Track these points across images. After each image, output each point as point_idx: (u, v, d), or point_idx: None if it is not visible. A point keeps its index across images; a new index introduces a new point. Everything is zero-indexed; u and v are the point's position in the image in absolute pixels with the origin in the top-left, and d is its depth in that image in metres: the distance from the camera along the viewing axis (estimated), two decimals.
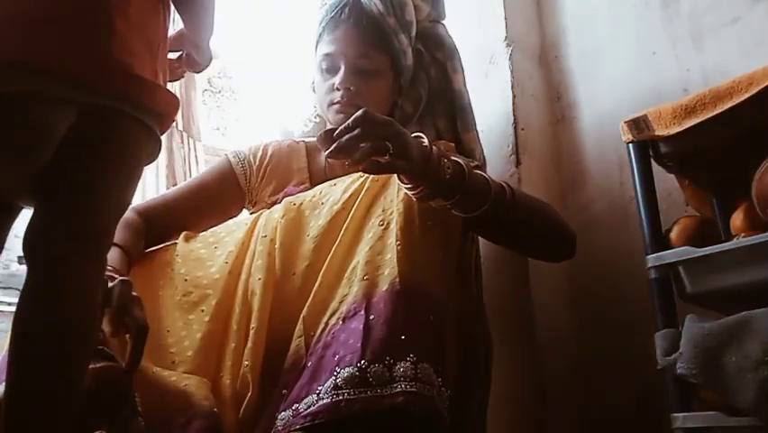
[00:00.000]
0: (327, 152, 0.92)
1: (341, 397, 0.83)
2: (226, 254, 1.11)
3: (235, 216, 1.35)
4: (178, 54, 1.11)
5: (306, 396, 0.87)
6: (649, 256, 0.98)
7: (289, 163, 1.34)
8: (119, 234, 1.04)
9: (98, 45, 0.85)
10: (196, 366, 0.99)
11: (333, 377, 0.85)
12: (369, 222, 1.02)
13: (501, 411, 1.24)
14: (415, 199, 0.99)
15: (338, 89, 1.24)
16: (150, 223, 1.24)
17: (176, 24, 1.09)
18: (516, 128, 1.44)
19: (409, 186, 0.98)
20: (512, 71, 1.49)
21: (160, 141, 0.95)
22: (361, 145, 0.91)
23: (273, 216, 1.11)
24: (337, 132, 0.92)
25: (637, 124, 1.02)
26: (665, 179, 1.17)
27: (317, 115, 1.72)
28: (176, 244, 1.16)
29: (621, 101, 1.40)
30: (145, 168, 0.96)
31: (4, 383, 0.79)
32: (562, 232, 1.18)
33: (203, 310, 1.04)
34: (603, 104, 1.45)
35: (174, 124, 2.65)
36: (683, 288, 0.96)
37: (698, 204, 1.16)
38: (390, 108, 1.31)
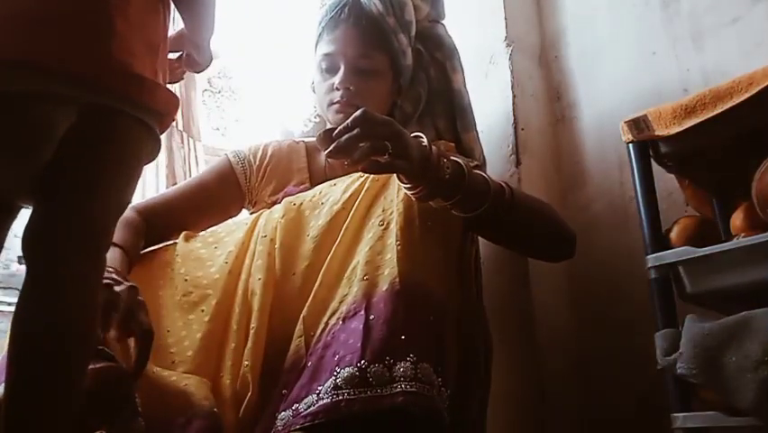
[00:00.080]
0: (327, 151, 0.92)
1: (341, 397, 0.83)
2: (226, 254, 1.11)
3: (235, 216, 1.35)
4: (177, 54, 1.11)
5: (306, 396, 0.87)
6: (649, 256, 0.98)
7: (289, 163, 1.34)
8: (119, 234, 1.04)
9: (98, 45, 0.85)
10: (196, 366, 0.99)
11: (333, 377, 0.85)
12: (369, 222, 1.02)
13: (501, 411, 1.24)
14: (414, 199, 0.99)
15: (338, 89, 1.24)
16: (150, 222, 1.24)
17: (176, 24, 1.09)
18: (516, 128, 1.44)
19: (409, 186, 0.98)
20: (512, 71, 1.49)
21: (160, 140, 0.95)
22: (361, 145, 0.91)
23: (273, 216, 1.11)
24: (336, 131, 0.92)
25: (637, 124, 1.02)
26: (665, 179, 1.17)
27: (317, 115, 1.72)
28: (176, 243, 1.16)
29: (621, 101, 1.40)
30: (145, 167, 0.96)
31: (3, 383, 0.78)
32: (562, 232, 1.18)
33: (203, 310, 1.04)
34: (603, 104, 1.45)
35: (174, 123, 2.65)
36: (683, 288, 0.96)
37: (698, 204, 1.16)
38: (390, 108, 1.31)
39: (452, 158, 1.03)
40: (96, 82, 0.84)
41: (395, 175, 0.99)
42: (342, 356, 0.87)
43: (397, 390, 0.83)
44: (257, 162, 1.34)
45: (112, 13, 0.86)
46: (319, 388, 0.86)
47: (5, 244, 0.92)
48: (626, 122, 1.04)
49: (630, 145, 1.04)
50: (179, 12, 1.01)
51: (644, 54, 1.40)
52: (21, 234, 0.82)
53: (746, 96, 0.93)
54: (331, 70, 1.27)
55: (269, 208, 1.17)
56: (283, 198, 1.18)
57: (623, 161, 1.26)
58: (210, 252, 1.13)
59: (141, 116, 0.89)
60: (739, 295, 0.92)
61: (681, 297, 0.98)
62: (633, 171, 1.04)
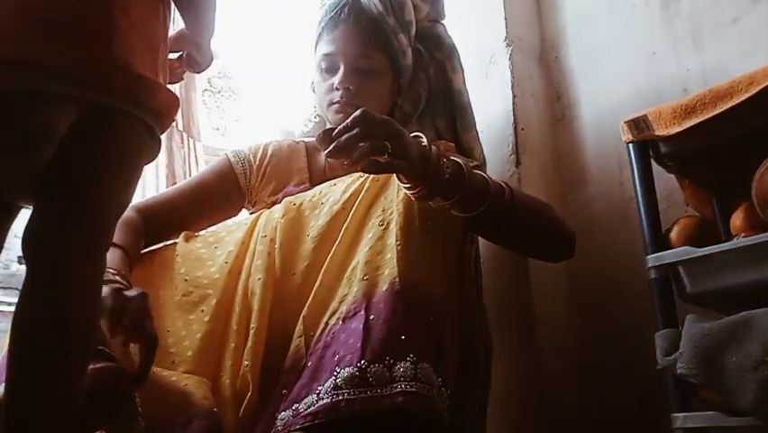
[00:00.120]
0: (326, 151, 0.92)
1: (341, 397, 0.83)
2: (226, 254, 1.11)
3: (235, 216, 1.35)
4: (178, 54, 1.11)
5: (306, 396, 0.87)
6: (649, 256, 0.98)
7: (289, 163, 1.34)
8: (119, 234, 1.04)
9: (99, 44, 0.85)
10: (196, 366, 0.99)
11: (333, 377, 0.85)
12: (369, 222, 1.02)
13: (501, 411, 1.24)
14: (414, 199, 0.99)
15: (337, 89, 1.24)
16: (150, 221, 1.23)
17: (176, 24, 1.09)
18: (516, 128, 1.44)
19: (408, 185, 0.98)
20: (512, 71, 1.49)
21: (160, 140, 0.95)
22: (360, 145, 0.91)
23: (273, 216, 1.11)
24: (336, 131, 0.92)
25: (637, 124, 1.02)
26: (665, 179, 1.17)
27: (317, 115, 1.72)
28: (176, 243, 1.16)
29: (621, 101, 1.40)
30: (145, 167, 0.96)
31: (4, 383, 0.78)
32: (562, 232, 1.18)
33: (203, 310, 1.04)
34: (603, 104, 1.45)
35: (174, 124, 2.65)
36: (683, 288, 0.96)
37: (698, 204, 1.16)
38: (390, 108, 1.31)
39: (451, 158, 1.03)
40: (97, 82, 0.84)
41: (395, 175, 0.99)
42: (343, 356, 0.87)
43: (397, 390, 0.83)
44: (257, 162, 1.34)
45: (113, 12, 0.86)
46: (319, 388, 0.86)
47: (5, 244, 0.92)
48: (626, 122, 1.03)
49: (630, 145, 1.04)
50: (180, 12, 1.01)
51: (644, 54, 1.40)
52: (20, 234, 0.82)
53: (746, 96, 0.93)
54: (331, 70, 1.27)
55: (269, 208, 1.17)
56: (283, 197, 1.18)
57: (623, 160, 1.26)
58: (210, 251, 1.13)
59: (142, 116, 0.89)
60: (739, 295, 0.92)
61: (681, 297, 0.98)
62: (633, 171, 1.04)
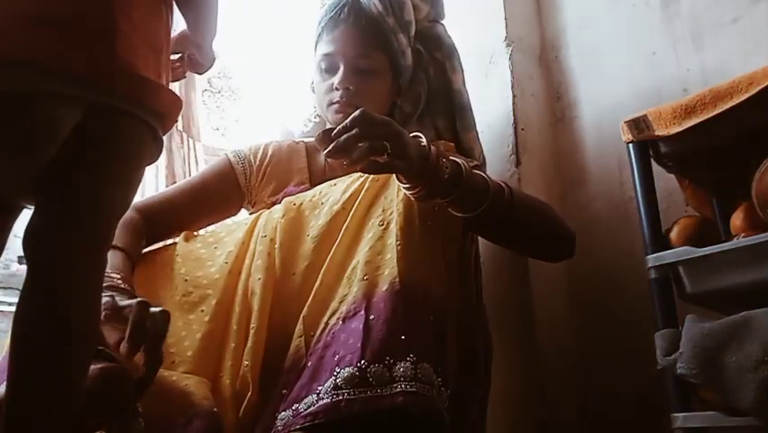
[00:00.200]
0: (326, 151, 0.92)
1: (341, 397, 0.83)
2: (226, 254, 1.11)
3: (234, 216, 1.35)
4: (178, 55, 1.11)
5: (306, 396, 0.87)
6: (649, 256, 0.98)
7: (289, 163, 1.34)
8: (119, 235, 1.04)
9: (101, 45, 0.85)
10: (196, 366, 0.99)
11: (333, 377, 0.85)
12: (369, 222, 1.02)
13: (501, 411, 1.24)
14: (414, 199, 0.99)
15: (337, 89, 1.24)
16: (150, 221, 1.23)
17: (177, 25, 1.08)
18: (516, 128, 1.44)
19: (408, 185, 0.98)
20: (512, 71, 1.49)
21: (162, 141, 0.95)
22: (360, 145, 0.91)
23: (273, 216, 1.11)
24: (335, 131, 0.92)
25: (637, 124, 1.02)
26: (665, 179, 1.17)
27: (317, 115, 1.72)
28: (175, 243, 1.16)
29: (621, 101, 1.41)
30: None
31: (4, 383, 0.79)
32: (562, 231, 1.18)
33: (203, 310, 1.04)
34: (603, 104, 1.45)
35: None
36: (683, 288, 0.96)
37: (698, 204, 1.16)
38: (389, 108, 1.31)
39: (451, 158, 1.03)
40: (97, 82, 0.84)
41: (394, 175, 0.99)
42: (343, 356, 0.87)
43: (397, 390, 0.83)
44: (257, 162, 1.34)
45: (115, 13, 0.86)
46: (319, 388, 0.86)
47: (6, 244, 0.92)
48: (626, 122, 1.04)
49: (630, 145, 1.04)
50: (182, 13, 1.01)
51: (644, 54, 1.40)
52: (20, 234, 0.82)
53: (746, 96, 0.93)
54: (330, 70, 1.27)
55: (269, 208, 1.17)
56: (283, 198, 1.18)
57: (623, 160, 1.26)
58: (210, 252, 1.13)
59: (145, 117, 0.89)
60: (739, 295, 0.92)
61: (681, 297, 0.98)
62: (633, 171, 1.04)
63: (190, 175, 2.72)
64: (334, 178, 1.16)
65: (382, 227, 0.99)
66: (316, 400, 0.85)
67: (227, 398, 0.96)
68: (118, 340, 0.92)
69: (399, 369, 0.84)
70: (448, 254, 1.03)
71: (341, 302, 0.94)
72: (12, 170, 0.85)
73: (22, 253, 0.80)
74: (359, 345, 0.86)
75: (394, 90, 1.31)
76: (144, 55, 0.89)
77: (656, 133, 1.00)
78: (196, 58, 1.09)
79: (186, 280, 1.08)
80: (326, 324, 0.94)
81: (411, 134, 0.98)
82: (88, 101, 0.83)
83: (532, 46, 1.57)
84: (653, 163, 1.04)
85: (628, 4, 1.45)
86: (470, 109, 1.33)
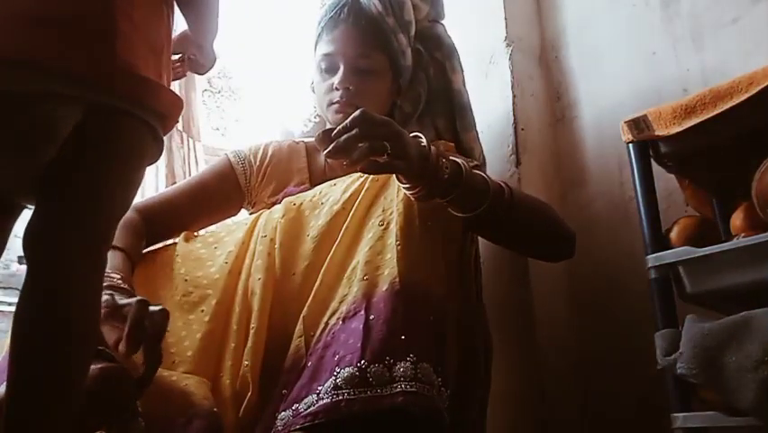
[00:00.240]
0: (326, 152, 0.92)
1: (341, 397, 0.83)
2: (226, 254, 1.11)
3: (234, 216, 1.35)
4: (179, 56, 1.11)
5: (306, 396, 0.87)
6: (649, 256, 0.98)
7: (289, 163, 1.34)
8: (119, 236, 1.04)
9: (101, 45, 0.85)
10: (196, 366, 0.99)
11: (333, 377, 0.85)
12: (368, 222, 1.02)
13: (501, 411, 1.24)
14: (414, 199, 0.99)
15: (337, 89, 1.24)
16: (150, 221, 1.23)
17: (178, 26, 1.08)
18: (516, 128, 1.44)
19: (408, 186, 0.98)
20: (512, 71, 1.49)
21: (163, 142, 0.95)
22: (360, 145, 0.91)
23: (273, 216, 1.11)
24: (335, 132, 0.92)
25: (637, 124, 1.02)
26: (665, 179, 1.17)
27: (317, 115, 1.72)
28: (175, 244, 1.16)
29: (621, 101, 1.41)
30: None
31: (4, 383, 0.79)
32: (562, 231, 1.18)
33: (203, 310, 1.04)
34: (603, 104, 1.45)
35: None
36: (683, 288, 0.96)
37: (698, 204, 1.16)
38: (389, 108, 1.31)
39: (451, 158, 1.03)
40: (97, 82, 0.84)
41: (394, 175, 0.99)
42: (343, 356, 0.87)
43: (397, 390, 0.83)
44: (257, 163, 1.34)
45: (115, 13, 0.86)
46: (319, 388, 0.86)
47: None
48: (626, 122, 1.04)
49: (630, 145, 1.04)
50: (183, 13, 1.01)
51: (644, 54, 1.40)
52: (20, 234, 0.82)
53: (746, 96, 0.93)
54: (330, 70, 1.27)
55: (269, 209, 1.17)
56: (283, 198, 1.18)
57: (623, 160, 1.26)
58: (210, 252, 1.13)
59: (146, 117, 0.89)
60: (739, 295, 0.92)
61: (681, 297, 0.98)
62: (633, 171, 1.04)
63: (190, 175, 2.72)
64: (334, 178, 1.16)
65: (382, 227, 0.99)
66: (316, 400, 0.85)
67: (227, 398, 0.96)
68: (117, 339, 0.92)
69: (399, 369, 0.84)
70: (448, 254, 1.03)
71: (341, 302, 0.94)
72: (12, 170, 0.85)
73: (22, 253, 0.80)
74: (359, 345, 0.86)
75: (394, 90, 1.31)
76: (145, 55, 0.89)
77: (656, 133, 1.00)
78: (197, 58, 1.09)
79: (186, 280, 1.08)
80: (326, 324, 0.94)
81: (411, 134, 0.98)
82: (88, 101, 0.83)
83: (532, 46, 1.57)
84: (653, 163, 1.04)
85: (628, 4, 1.45)
86: (470, 109, 1.33)
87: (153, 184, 2.61)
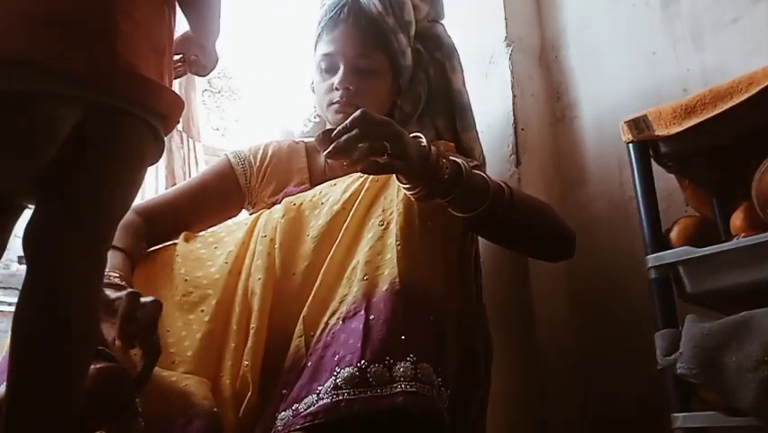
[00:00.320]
0: (326, 152, 0.92)
1: (341, 397, 0.83)
2: (226, 254, 1.11)
3: (235, 217, 1.35)
4: (180, 56, 1.11)
5: (306, 396, 0.87)
6: (649, 256, 0.98)
7: (289, 164, 1.34)
8: (119, 237, 1.04)
9: (102, 45, 0.85)
10: (196, 366, 0.99)
11: (333, 377, 0.85)
12: (368, 222, 1.02)
13: (501, 411, 1.24)
14: (414, 200, 0.99)
15: (337, 89, 1.24)
16: (150, 223, 1.23)
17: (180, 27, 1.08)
18: (516, 128, 1.44)
19: (408, 186, 0.98)
20: (512, 71, 1.49)
21: (164, 142, 0.95)
22: (360, 145, 0.91)
23: (273, 216, 1.11)
24: (335, 132, 0.92)
25: (637, 124, 1.02)
26: (665, 179, 1.17)
27: (317, 115, 1.72)
28: (176, 244, 1.16)
29: (621, 101, 1.40)
30: None
31: (4, 383, 0.79)
32: (562, 231, 1.18)
33: (203, 310, 1.04)
34: (603, 104, 1.45)
35: None
36: (683, 288, 0.96)
37: (698, 204, 1.16)
38: (389, 108, 1.31)
39: (451, 158, 1.03)
40: (97, 82, 0.84)
41: (394, 175, 0.99)
42: (343, 356, 0.87)
43: (397, 390, 0.83)
44: (257, 163, 1.34)
45: (116, 13, 0.86)
46: (319, 388, 0.86)
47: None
48: (626, 122, 1.04)
49: (630, 145, 1.04)
50: (185, 14, 1.01)
51: (644, 54, 1.40)
52: (20, 234, 0.82)
53: (746, 96, 0.93)
54: (330, 70, 1.27)
55: (269, 209, 1.17)
56: (283, 198, 1.18)
57: (623, 160, 1.26)
58: (210, 252, 1.13)
59: (146, 117, 0.88)
60: (739, 295, 0.92)
61: (681, 297, 0.98)
62: (633, 171, 1.04)
63: (190, 175, 2.72)
64: (334, 178, 1.16)
65: (382, 227, 0.99)
66: (316, 400, 0.85)
67: (227, 398, 0.96)
68: (114, 337, 0.92)
69: (399, 369, 0.84)
70: (448, 254, 1.03)
71: (341, 302, 0.94)
72: (12, 170, 0.85)
73: (22, 253, 0.80)
74: (359, 345, 0.86)
75: (394, 90, 1.31)
76: (146, 55, 0.89)
77: (656, 133, 1.00)
78: (199, 59, 1.09)
79: (186, 280, 1.08)
80: (326, 324, 0.94)
81: (411, 135, 0.98)
82: (88, 101, 0.83)
83: (532, 46, 1.57)
84: (653, 163, 1.04)
85: (628, 4, 1.45)
86: (470, 109, 1.33)
87: (153, 185, 2.61)
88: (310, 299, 0.98)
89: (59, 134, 0.83)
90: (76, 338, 0.79)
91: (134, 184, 0.91)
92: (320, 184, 1.16)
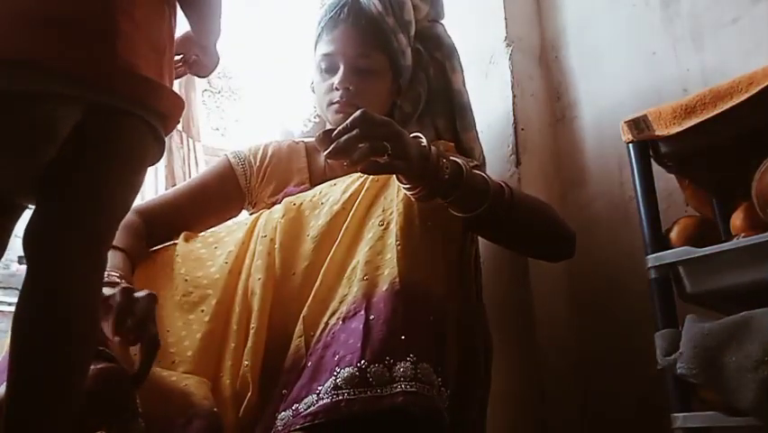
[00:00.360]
0: (326, 152, 0.92)
1: (341, 397, 0.83)
2: (226, 254, 1.11)
3: (235, 217, 1.35)
4: (180, 56, 1.11)
5: (306, 396, 0.87)
6: (649, 256, 0.98)
7: (289, 164, 1.34)
8: (120, 237, 1.04)
9: (101, 45, 0.85)
10: (196, 366, 0.99)
11: (333, 377, 0.85)
12: (369, 222, 1.02)
13: (501, 411, 1.24)
14: (414, 200, 0.99)
15: (337, 89, 1.24)
16: (151, 223, 1.23)
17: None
18: (516, 128, 1.44)
19: (408, 186, 0.98)
20: (512, 71, 1.49)
21: (164, 142, 0.95)
22: (360, 146, 0.91)
23: (273, 216, 1.11)
24: (335, 132, 0.92)
25: (637, 124, 1.02)
26: (665, 179, 1.17)
27: (317, 115, 1.72)
28: (176, 244, 1.16)
29: (621, 101, 1.40)
30: None
31: (4, 384, 0.79)
32: (562, 231, 1.18)
33: (203, 310, 1.04)
34: (603, 104, 1.45)
35: None
36: (683, 288, 0.96)
37: (698, 204, 1.16)
38: (389, 108, 1.31)
39: (451, 158, 1.03)
40: (97, 82, 0.84)
41: (395, 175, 0.99)
42: (342, 356, 0.87)
43: (397, 390, 0.83)
44: (257, 163, 1.34)
45: (116, 13, 0.86)
46: (319, 388, 0.86)
47: None
48: (626, 122, 1.03)
49: (630, 145, 1.04)
50: (185, 14, 1.01)
51: (644, 54, 1.40)
52: (20, 234, 0.82)
53: (746, 96, 0.93)
54: (330, 70, 1.27)
55: (269, 209, 1.17)
56: (283, 198, 1.18)
57: (623, 160, 1.26)
58: (210, 252, 1.13)
59: (146, 117, 0.88)
60: (739, 295, 0.92)
61: (681, 297, 0.98)
62: (633, 171, 1.04)
63: (190, 175, 2.73)
64: (334, 178, 1.16)
65: (382, 227, 0.99)
66: (316, 400, 0.85)
67: (227, 398, 0.96)
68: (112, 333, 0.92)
69: (399, 369, 0.84)
70: (448, 254, 1.03)
71: (341, 302, 0.94)
72: (12, 170, 0.85)
73: (22, 253, 0.80)
74: (359, 345, 0.86)
75: (394, 90, 1.31)
76: (146, 55, 0.89)
77: (656, 133, 1.00)
78: (200, 59, 1.09)
79: (186, 280, 1.08)
80: (326, 324, 0.94)
81: (411, 135, 0.98)
82: (88, 101, 0.83)
83: (532, 46, 1.57)
84: (653, 163, 1.04)
85: (628, 4, 1.45)
86: (470, 109, 1.33)
87: (153, 185, 2.62)
88: (310, 299, 0.98)
89: (59, 134, 0.83)
90: (76, 338, 0.79)
91: (134, 184, 0.91)
92: (320, 184, 1.16)
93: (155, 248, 1.19)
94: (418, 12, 1.32)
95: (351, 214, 1.03)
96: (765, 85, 0.91)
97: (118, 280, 1.00)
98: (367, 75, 1.26)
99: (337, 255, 1.01)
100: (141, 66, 0.87)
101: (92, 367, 0.83)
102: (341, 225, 1.03)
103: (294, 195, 1.17)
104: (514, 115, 1.45)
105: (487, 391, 1.11)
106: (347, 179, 1.10)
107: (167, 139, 0.97)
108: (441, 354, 0.91)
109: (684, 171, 1.12)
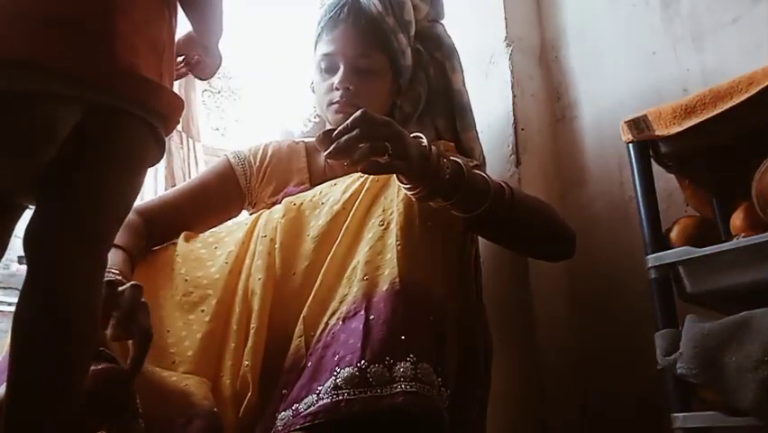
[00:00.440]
0: (326, 152, 0.92)
1: (341, 397, 0.83)
2: (226, 254, 1.11)
3: (235, 217, 1.35)
4: (182, 57, 1.11)
5: (306, 396, 0.87)
6: (649, 256, 0.98)
7: (289, 164, 1.34)
8: (120, 236, 1.04)
9: (101, 45, 0.85)
10: (196, 366, 0.99)
11: (333, 377, 0.85)
12: (369, 222, 1.02)
13: (501, 411, 1.24)
14: (414, 200, 0.99)
15: (337, 89, 1.24)
16: (151, 223, 1.23)
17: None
18: (516, 128, 1.44)
19: (408, 186, 0.98)
20: (512, 71, 1.49)
21: (164, 142, 0.95)
22: (360, 146, 0.91)
23: (273, 216, 1.11)
24: (336, 132, 0.92)
25: (637, 124, 1.02)
26: (665, 179, 1.17)
27: (317, 115, 1.72)
28: (176, 244, 1.16)
29: (621, 101, 1.40)
30: None
31: (4, 383, 0.79)
32: (562, 231, 1.18)
33: (203, 310, 1.04)
34: (603, 104, 1.45)
35: None
36: (683, 288, 0.96)
37: (698, 204, 1.16)
38: (389, 108, 1.31)
39: (451, 158, 1.03)
40: (97, 82, 0.84)
41: (395, 175, 0.99)
42: (343, 356, 0.87)
43: (397, 390, 0.83)
44: (257, 163, 1.34)
45: (115, 13, 0.86)
46: (319, 388, 0.86)
47: None
48: (626, 122, 1.04)
49: (630, 145, 1.04)
50: (186, 14, 1.01)
51: (644, 54, 1.40)
52: (21, 234, 0.82)
53: (746, 96, 0.93)
54: (330, 70, 1.27)
55: (269, 209, 1.17)
56: (283, 198, 1.18)
57: (623, 160, 1.26)
58: (210, 252, 1.13)
59: (146, 117, 0.88)
60: (739, 295, 0.92)
61: (681, 297, 0.98)
62: (633, 171, 1.04)
63: (190, 176, 2.73)
64: (334, 178, 1.16)
65: (382, 227, 0.99)
66: (316, 400, 0.85)
67: (227, 398, 0.96)
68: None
69: (399, 369, 0.84)
70: (448, 254, 1.03)
71: (341, 302, 0.94)
72: (12, 170, 0.85)
73: (22, 253, 0.80)
74: (359, 345, 0.86)
75: (394, 90, 1.31)
76: (146, 55, 0.89)
77: (656, 133, 1.00)
78: (203, 60, 1.09)
79: (186, 280, 1.08)
80: (326, 324, 0.94)
81: (411, 135, 0.98)
82: (88, 101, 0.83)
83: (532, 46, 1.57)
84: (653, 163, 1.04)
85: (628, 5, 1.45)
86: (470, 109, 1.33)
87: (153, 185, 2.62)
88: (310, 299, 0.98)
89: (59, 134, 0.83)
90: (76, 338, 0.79)
91: (135, 184, 0.91)
92: (320, 184, 1.16)
93: (155, 248, 1.19)
94: (418, 12, 1.32)
95: (351, 214, 1.03)
96: (765, 85, 0.91)
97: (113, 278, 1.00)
98: (367, 75, 1.26)
99: (337, 255, 1.01)
100: (140, 66, 0.87)
101: (93, 368, 0.83)
102: (341, 225, 1.03)
103: (294, 195, 1.17)
104: (514, 115, 1.45)
105: (487, 391, 1.11)
106: (347, 179, 1.10)
107: (166, 139, 0.97)
108: (441, 354, 0.91)
109: (684, 171, 1.12)
